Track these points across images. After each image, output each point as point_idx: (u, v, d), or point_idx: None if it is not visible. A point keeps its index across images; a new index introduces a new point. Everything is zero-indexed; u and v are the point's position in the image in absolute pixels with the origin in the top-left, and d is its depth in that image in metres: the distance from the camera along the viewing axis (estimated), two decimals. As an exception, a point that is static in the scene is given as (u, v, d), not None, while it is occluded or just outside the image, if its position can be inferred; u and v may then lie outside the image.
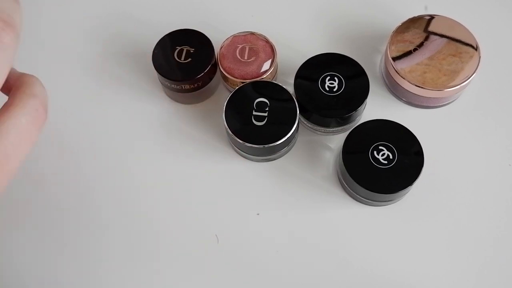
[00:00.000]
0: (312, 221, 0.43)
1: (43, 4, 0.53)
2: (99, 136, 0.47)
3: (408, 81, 0.44)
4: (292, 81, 0.43)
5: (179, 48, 0.45)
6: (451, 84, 0.43)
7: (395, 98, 0.47)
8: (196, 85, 0.45)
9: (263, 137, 0.41)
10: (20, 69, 0.50)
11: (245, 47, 0.45)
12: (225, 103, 0.42)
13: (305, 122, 0.45)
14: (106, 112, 0.48)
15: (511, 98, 0.47)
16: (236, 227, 0.43)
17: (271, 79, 0.46)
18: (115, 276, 0.42)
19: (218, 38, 0.46)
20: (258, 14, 0.51)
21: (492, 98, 0.47)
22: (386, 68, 0.46)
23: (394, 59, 0.44)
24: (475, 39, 0.45)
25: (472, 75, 0.44)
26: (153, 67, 0.44)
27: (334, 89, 0.43)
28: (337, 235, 0.43)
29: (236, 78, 0.44)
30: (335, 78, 0.43)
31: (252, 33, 0.46)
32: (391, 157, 0.40)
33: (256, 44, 0.45)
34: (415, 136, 0.41)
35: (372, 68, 0.48)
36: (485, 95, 0.47)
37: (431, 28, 0.46)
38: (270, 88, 0.43)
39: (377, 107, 0.46)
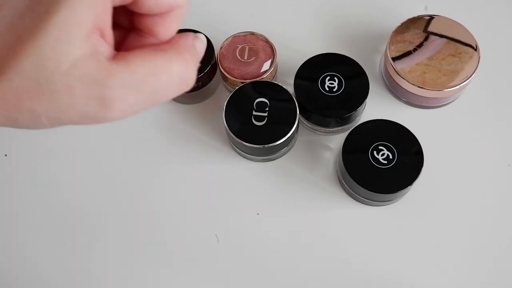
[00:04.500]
0: (312, 221, 0.43)
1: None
2: (98, 135, 0.47)
3: (408, 81, 0.44)
4: (292, 81, 0.44)
5: (179, 48, 0.45)
6: (450, 84, 0.43)
7: (394, 98, 0.47)
8: (196, 85, 0.45)
9: (263, 137, 0.41)
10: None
11: (245, 47, 0.45)
12: (225, 103, 0.42)
13: (305, 122, 0.45)
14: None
15: (510, 98, 0.47)
16: (236, 227, 0.43)
17: (271, 79, 0.46)
18: (115, 275, 0.42)
19: (218, 38, 0.46)
20: (258, 14, 0.52)
21: (492, 98, 0.47)
22: (385, 68, 0.46)
23: (394, 59, 0.44)
24: (474, 39, 0.45)
25: (471, 75, 0.44)
26: (153, 67, 0.44)
27: (334, 89, 0.43)
28: (337, 235, 0.43)
29: (236, 78, 0.44)
30: (335, 78, 0.43)
31: (252, 33, 0.46)
32: (390, 157, 0.40)
33: (256, 44, 0.45)
34: (414, 136, 0.41)
35: (372, 68, 0.48)
36: (484, 95, 0.47)
37: (431, 28, 0.46)
38: (270, 88, 0.43)
39: (376, 107, 0.46)
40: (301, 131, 0.46)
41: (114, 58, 0.26)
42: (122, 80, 0.25)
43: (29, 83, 0.24)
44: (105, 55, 0.25)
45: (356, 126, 0.42)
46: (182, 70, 0.27)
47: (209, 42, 0.45)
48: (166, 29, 0.28)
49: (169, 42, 0.28)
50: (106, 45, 0.25)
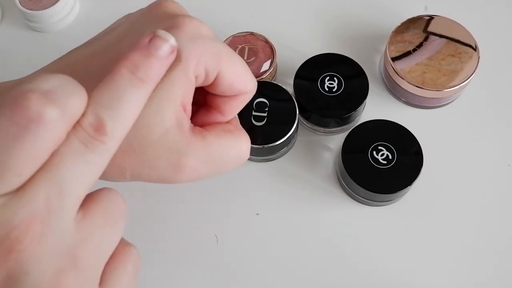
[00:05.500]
0: (311, 221, 0.43)
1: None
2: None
3: (408, 82, 0.44)
4: (291, 81, 0.44)
5: (178, 48, 0.45)
6: (450, 84, 0.43)
7: (394, 98, 0.47)
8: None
9: (262, 137, 0.41)
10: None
11: (245, 48, 0.45)
12: (225, 104, 0.42)
13: (304, 122, 0.45)
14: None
15: (510, 98, 0.47)
16: (236, 227, 0.43)
17: (270, 79, 0.46)
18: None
19: (217, 39, 0.46)
20: (258, 14, 0.52)
21: (491, 98, 0.47)
22: (385, 68, 0.46)
23: (394, 59, 0.44)
24: (474, 39, 0.45)
25: (471, 75, 0.44)
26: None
27: (334, 89, 0.43)
28: (337, 235, 0.43)
29: (236, 78, 0.44)
30: (335, 78, 0.43)
31: (252, 33, 0.46)
32: (390, 157, 0.40)
33: (256, 45, 0.45)
34: (414, 136, 0.41)
35: (372, 68, 0.48)
36: (484, 95, 0.47)
37: (431, 28, 0.46)
38: (270, 88, 0.43)
39: (376, 107, 0.46)
40: (300, 131, 0.46)
41: (192, 131, 0.30)
42: (197, 152, 0.29)
43: (124, 144, 0.26)
44: (186, 127, 0.29)
45: (356, 126, 0.42)
46: (246, 148, 0.32)
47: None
48: (233, 108, 0.32)
49: (231, 123, 0.33)
50: (187, 118, 0.29)
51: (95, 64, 0.30)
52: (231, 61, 0.30)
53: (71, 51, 0.33)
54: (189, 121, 0.30)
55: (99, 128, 0.23)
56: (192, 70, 0.28)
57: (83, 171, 0.23)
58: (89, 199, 0.25)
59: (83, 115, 0.23)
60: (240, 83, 0.31)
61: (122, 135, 0.24)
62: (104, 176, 0.28)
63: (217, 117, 0.32)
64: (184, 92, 0.28)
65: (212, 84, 0.30)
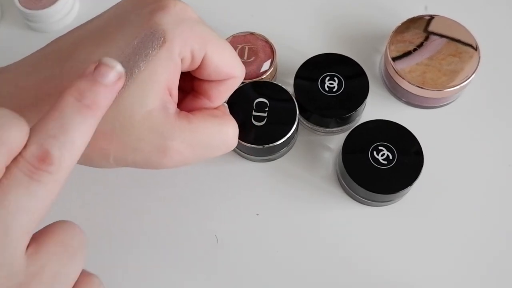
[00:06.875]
0: (311, 221, 0.43)
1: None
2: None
3: (408, 81, 0.44)
4: (291, 81, 0.44)
5: (178, 48, 0.45)
6: (450, 84, 0.43)
7: (394, 98, 0.47)
8: (195, 85, 0.45)
9: (262, 137, 0.41)
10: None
11: (245, 47, 0.45)
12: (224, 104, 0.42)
13: (304, 122, 0.45)
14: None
15: (510, 98, 0.47)
16: (236, 227, 0.43)
17: (270, 79, 0.46)
18: (113, 275, 0.42)
19: (217, 38, 0.46)
20: (258, 14, 0.51)
21: (492, 98, 0.47)
22: (385, 68, 0.46)
23: (394, 59, 0.44)
24: (474, 39, 0.45)
25: (471, 75, 0.44)
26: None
27: (334, 89, 0.43)
28: (337, 235, 0.43)
29: (236, 78, 0.44)
30: (335, 78, 0.43)
31: (252, 33, 0.46)
32: (390, 157, 0.40)
33: (256, 44, 0.45)
34: (414, 136, 0.41)
35: (372, 68, 0.48)
36: (484, 95, 0.47)
37: (431, 28, 0.46)
38: (270, 88, 0.43)
39: (376, 107, 0.46)
40: (300, 131, 0.46)
41: (178, 115, 0.29)
42: (183, 136, 0.29)
43: (106, 126, 0.26)
44: (172, 111, 0.29)
45: (356, 126, 0.42)
46: (233, 134, 0.32)
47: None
48: (220, 93, 0.32)
49: (219, 109, 0.33)
50: (172, 102, 0.29)
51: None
52: (217, 44, 0.30)
53: (57, 38, 0.32)
54: (175, 105, 0.30)
55: (45, 158, 0.22)
56: (177, 52, 0.28)
57: (29, 204, 0.22)
58: (43, 232, 0.24)
59: (25, 147, 0.22)
60: (227, 67, 0.31)
61: (71, 164, 0.23)
62: (87, 162, 0.28)
63: (204, 103, 0.32)
64: (169, 74, 0.28)
65: (199, 67, 0.30)
